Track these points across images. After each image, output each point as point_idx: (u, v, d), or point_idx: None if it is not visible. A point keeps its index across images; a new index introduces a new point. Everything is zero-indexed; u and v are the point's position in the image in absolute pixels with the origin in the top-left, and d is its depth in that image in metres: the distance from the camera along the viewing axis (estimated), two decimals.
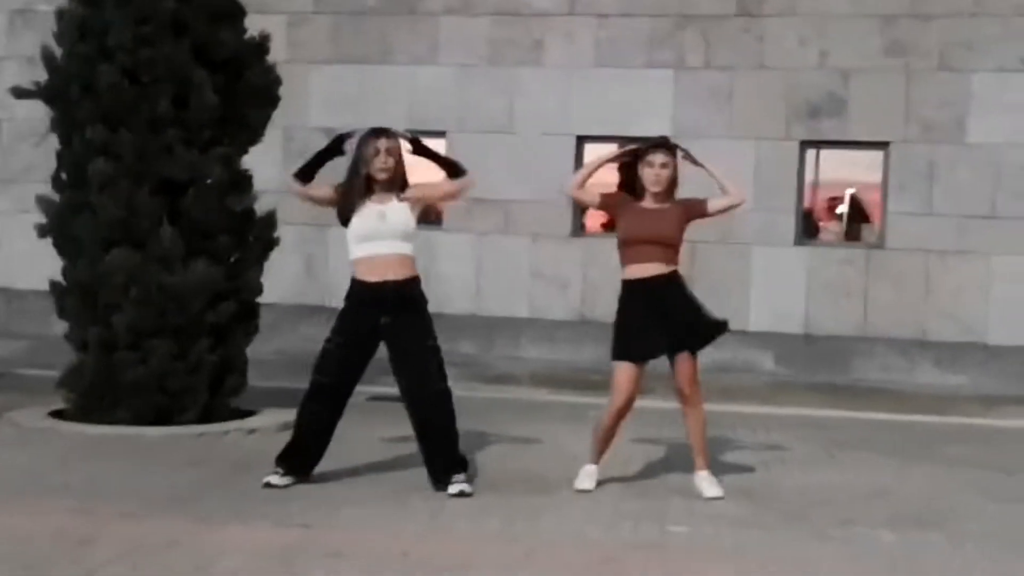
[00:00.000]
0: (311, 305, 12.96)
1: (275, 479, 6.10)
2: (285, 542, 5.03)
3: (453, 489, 5.98)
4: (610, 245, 12.25)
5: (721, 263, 12.04)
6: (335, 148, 6.27)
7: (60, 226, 7.63)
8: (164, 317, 7.47)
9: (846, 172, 12.50)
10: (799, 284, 12.16)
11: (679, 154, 6.25)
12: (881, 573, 4.89)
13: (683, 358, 6.12)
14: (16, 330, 13.40)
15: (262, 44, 7.96)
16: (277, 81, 7.95)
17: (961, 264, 11.91)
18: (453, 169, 6.39)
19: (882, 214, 12.22)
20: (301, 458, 6.19)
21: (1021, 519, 6.00)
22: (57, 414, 7.82)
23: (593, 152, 12.69)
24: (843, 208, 12.77)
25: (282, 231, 8.24)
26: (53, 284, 7.90)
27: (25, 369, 10.55)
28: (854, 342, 12.10)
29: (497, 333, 12.52)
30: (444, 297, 12.57)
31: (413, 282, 6.18)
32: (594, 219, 12.99)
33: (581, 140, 12.63)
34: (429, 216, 13.07)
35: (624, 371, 6.11)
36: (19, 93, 7.77)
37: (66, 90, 7.52)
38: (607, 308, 12.27)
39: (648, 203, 6.20)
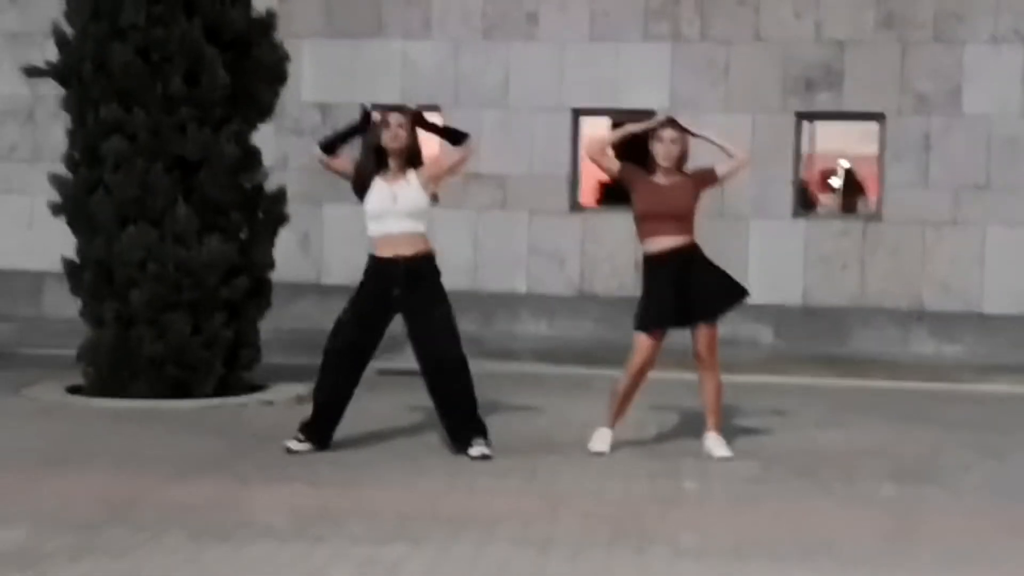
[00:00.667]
0: (305, 283, 13.38)
1: (295, 445, 6.57)
2: (320, 501, 5.53)
3: (474, 452, 6.47)
4: (607, 220, 12.92)
5: (719, 237, 12.45)
6: (363, 125, 6.70)
7: (75, 204, 8.06)
8: (180, 292, 7.93)
9: (842, 144, 13.02)
10: (797, 257, 12.67)
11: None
12: (883, 521, 5.40)
13: (704, 326, 6.64)
14: (4, 312, 13.77)
15: (269, 21, 8.40)
16: (285, 57, 8.40)
17: (956, 235, 12.43)
18: (455, 137, 6.85)
19: (879, 186, 12.74)
20: (321, 425, 6.66)
21: (1014, 473, 6.54)
22: (74, 390, 8.27)
23: (590, 125, 13.21)
24: (837, 180, 13.29)
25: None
26: (66, 262, 8.33)
27: (24, 349, 10.96)
28: (851, 313, 12.62)
29: (495, 309, 12.98)
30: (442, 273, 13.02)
31: (424, 258, 6.66)
32: (590, 194, 13.47)
33: (577, 114, 13.09)
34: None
35: (645, 336, 6.62)
36: (31, 72, 8.19)
37: (79, 69, 7.94)
38: (605, 283, 13.04)
39: (660, 178, 6.71)
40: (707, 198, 12.77)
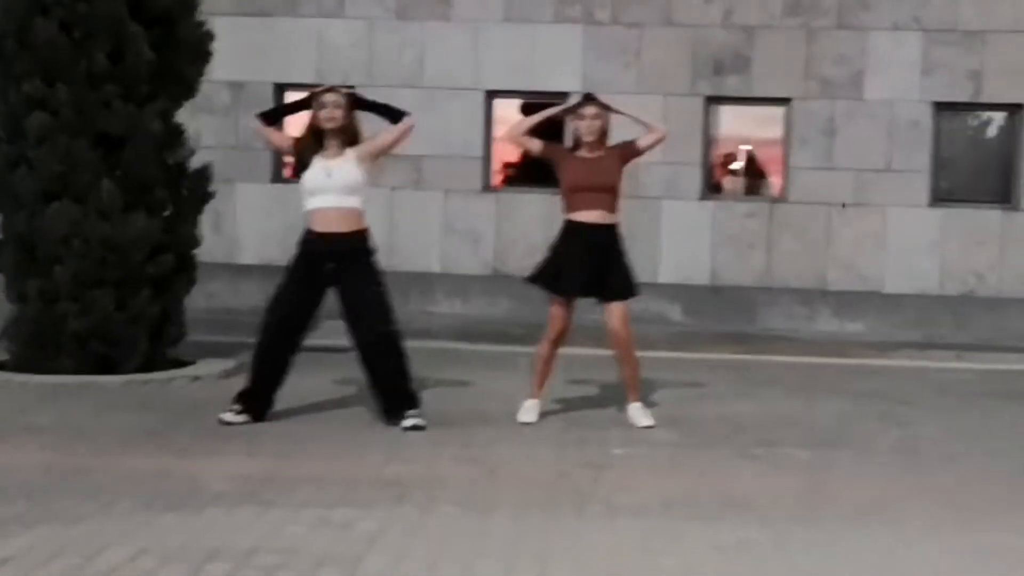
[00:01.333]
0: (218, 263, 13.43)
1: (230, 416, 6.75)
2: (264, 471, 5.72)
3: (407, 423, 6.71)
4: (521, 200, 13.21)
5: (631, 217, 12.82)
6: (306, 103, 6.87)
7: None
8: (105, 269, 8.03)
9: (749, 128, 13.46)
10: (705, 237, 13.10)
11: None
12: (799, 482, 5.78)
13: (617, 304, 6.96)
14: None
15: (191, 0, 8.50)
16: (208, 36, 8.53)
17: (859, 216, 12.97)
18: (393, 115, 7.07)
19: (784, 168, 13.22)
20: (258, 397, 6.85)
21: (917, 438, 6.99)
22: None
23: (502, 107, 13.48)
24: (738, 164, 13.72)
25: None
26: None
27: None
28: (758, 292, 13.10)
29: (410, 288, 13.19)
30: None
31: (359, 234, 6.88)
32: (503, 175, 13.75)
33: (490, 95, 13.36)
34: None
35: (558, 303, 6.94)
36: None
37: (1, 45, 7.97)
38: (519, 263, 13.31)
39: (585, 152, 7.01)
40: (626, 180, 13.23)
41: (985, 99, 12.83)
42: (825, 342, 11.83)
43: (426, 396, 7.45)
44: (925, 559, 4.50)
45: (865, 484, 5.80)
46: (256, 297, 13.95)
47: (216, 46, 13.37)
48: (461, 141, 13.31)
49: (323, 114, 6.78)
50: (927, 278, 12.90)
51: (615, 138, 7.22)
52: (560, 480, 5.63)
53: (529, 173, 13.83)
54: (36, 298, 8.06)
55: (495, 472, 5.77)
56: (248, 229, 13.56)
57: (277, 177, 13.57)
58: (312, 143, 6.81)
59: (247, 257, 13.54)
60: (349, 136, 6.85)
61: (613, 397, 7.67)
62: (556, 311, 7.01)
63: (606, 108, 7.09)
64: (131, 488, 5.29)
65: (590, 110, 7.03)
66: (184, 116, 13.27)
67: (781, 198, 13.21)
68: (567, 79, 13.10)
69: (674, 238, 13.05)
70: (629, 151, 7.12)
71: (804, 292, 13.06)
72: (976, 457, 6.51)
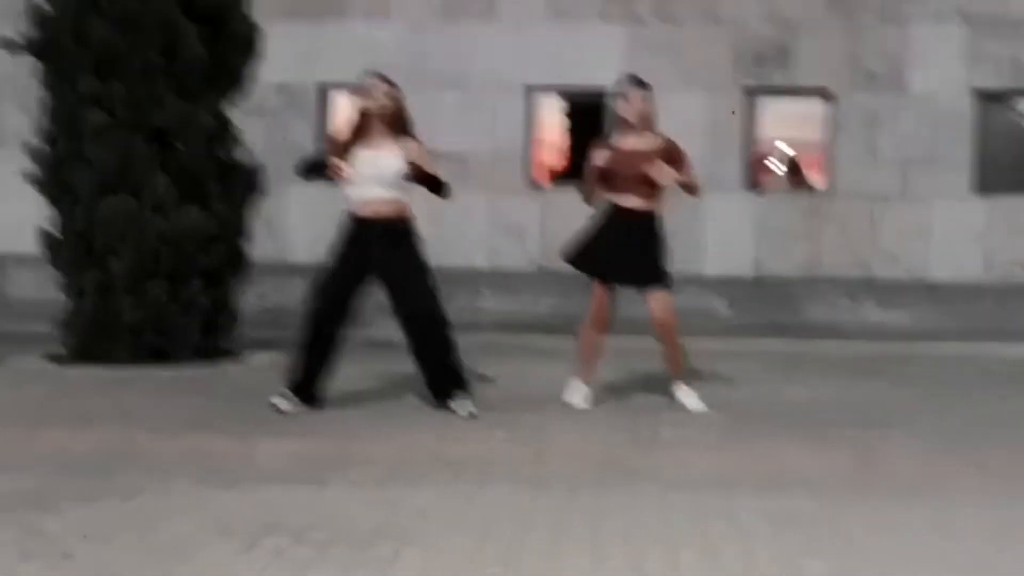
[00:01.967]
0: (268, 263, 13.47)
1: (283, 403, 6.73)
2: (318, 450, 5.72)
3: (460, 410, 6.66)
4: (565, 196, 13.11)
5: (674, 211, 12.81)
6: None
7: (53, 176, 8.16)
8: (159, 261, 8.07)
9: (792, 122, 13.36)
10: (748, 230, 13.00)
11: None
12: (849, 458, 5.71)
13: (658, 291, 6.88)
14: None
15: None
16: (257, 31, 8.56)
17: (904, 208, 12.82)
18: (440, 187, 6.95)
19: (828, 162, 13.09)
20: (309, 385, 6.83)
21: (961, 419, 6.89)
22: (53, 359, 8.38)
23: (546, 106, 13.46)
24: (780, 165, 13.62)
25: None
26: (44, 234, 8.43)
27: None
28: (802, 284, 12.97)
29: (456, 285, 13.15)
30: None
31: (402, 221, 6.83)
32: (548, 172, 13.72)
33: (533, 92, 13.33)
34: None
35: (599, 286, 6.91)
36: (6, 44, 8.26)
37: (56, 43, 8.04)
38: None
39: (629, 138, 6.89)
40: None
41: None
42: (869, 332, 11.70)
43: (475, 384, 7.43)
44: (974, 529, 4.42)
45: (913, 461, 5.72)
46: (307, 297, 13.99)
47: (264, 49, 13.53)
48: (505, 139, 13.28)
49: (371, 101, 6.74)
50: (971, 268, 12.72)
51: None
52: (610, 459, 5.59)
53: (572, 170, 13.84)
54: (92, 291, 8.12)
55: (545, 452, 5.74)
56: (298, 229, 13.59)
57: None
58: (356, 126, 6.75)
59: (298, 257, 13.55)
60: (398, 125, 6.80)
61: (660, 383, 7.59)
62: (597, 295, 6.94)
63: (649, 89, 6.99)
64: (187, 466, 5.31)
65: (636, 94, 6.94)
66: (235, 119, 13.45)
67: (825, 191, 13.08)
68: (610, 76, 12.98)
69: (717, 232, 12.96)
70: (670, 157, 6.87)
71: (848, 283, 12.92)
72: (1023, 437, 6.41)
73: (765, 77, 12.95)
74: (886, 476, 5.34)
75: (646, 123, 6.94)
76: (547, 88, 13.34)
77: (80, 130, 8.02)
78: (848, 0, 12.78)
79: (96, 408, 6.76)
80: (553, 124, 13.81)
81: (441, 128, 13.30)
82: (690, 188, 7.01)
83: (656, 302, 6.86)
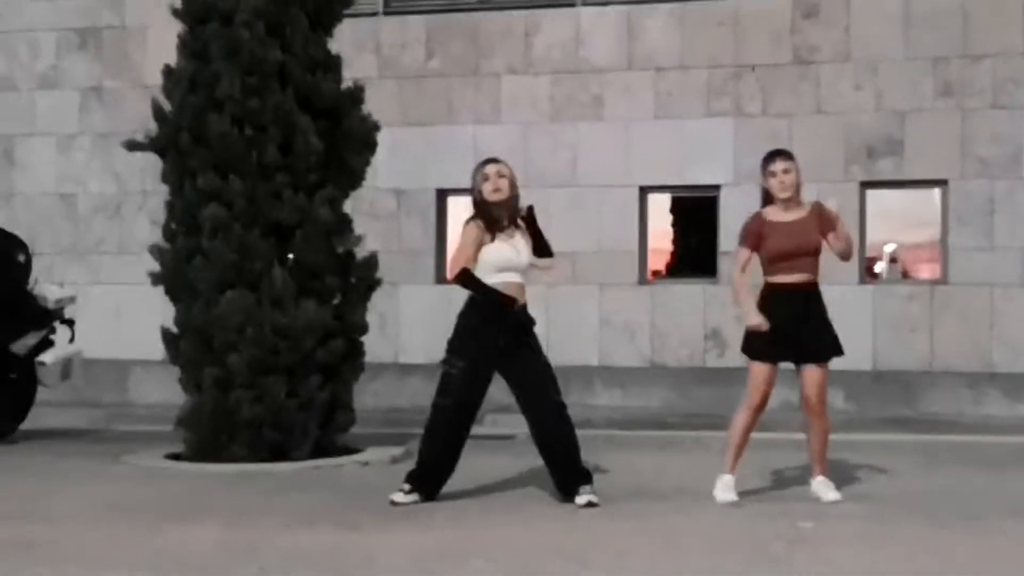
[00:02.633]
0: (383, 363, 13.14)
1: (400, 496, 6.27)
2: (438, 544, 5.22)
3: (581, 500, 6.14)
4: (675, 292, 12.65)
5: None
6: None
7: (173, 273, 7.90)
8: (277, 356, 7.71)
9: (906, 211, 12.73)
10: (865, 321, 12.31)
11: None
12: (1015, 552, 5.02)
13: (815, 367, 6.28)
14: (92, 399, 13.61)
15: (358, 93, 8.28)
16: (375, 127, 8.27)
17: None
18: (546, 249, 6.52)
19: (943, 250, 12.40)
20: (429, 478, 6.35)
21: None
22: (171, 457, 8.03)
23: (655, 203, 13.02)
24: (883, 265, 12.95)
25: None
26: (164, 331, 8.15)
27: (114, 428, 10.77)
28: (921, 376, 12.22)
29: (569, 381, 12.63)
30: None
31: (526, 307, 6.41)
32: (658, 267, 13.23)
33: (644, 191, 12.91)
34: None
35: (760, 369, 6.27)
36: (131, 146, 8.09)
37: (176, 140, 7.83)
38: (675, 354, 12.69)
39: (781, 213, 6.35)
40: None
41: None
42: (995, 426, 10.88)
43: (594, 476, 6.89)
44: None
45: None
46: (421, 396, 13.54)
47: (379, 155, 13.37)
48: (614, 236, 12.84)
49: (488, 185, 6.35)
50: None
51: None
52: (749, 552, 4.98)
53: (683, 265, 13.34)
54: (212, 386, 7.76)
55: (678, 544, 5.14)
56: (412, 330, 13.25)
57: (440, 279, 13.27)
58: (481, 215, 6.34)
59: (412, 357, 13.19)
60: (514, 211, 6.40)
61: (793, 472, 6.97)
62: (758, 375, 6.29)
63: (794, 160, 6.48)
64: (305, 561, 4.86)
65: (780, 164, 6.41)
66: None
67: (941, 280, 12.36)
68: (719, 172, 12.61)
69: (834, 323, 12.23)
70: (825, 224, 6.36)
71: (970, 375, 12.12)
72: None
73: (877, 168, 12.36)
74: None
75: (796, 194, 6.40)
76: (656, 186, 12.91)
77: (200, 226, 7.74)
78: (958, 87, 12.19)
79: (215, 505, 6.35)
80: (662, 220, 13.33)
81: (552, 227, 12.94)
82: (848, 250, 6.47)
83: (811, 377, 6.27)
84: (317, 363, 7.84)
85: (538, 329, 6.45)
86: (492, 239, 6.30)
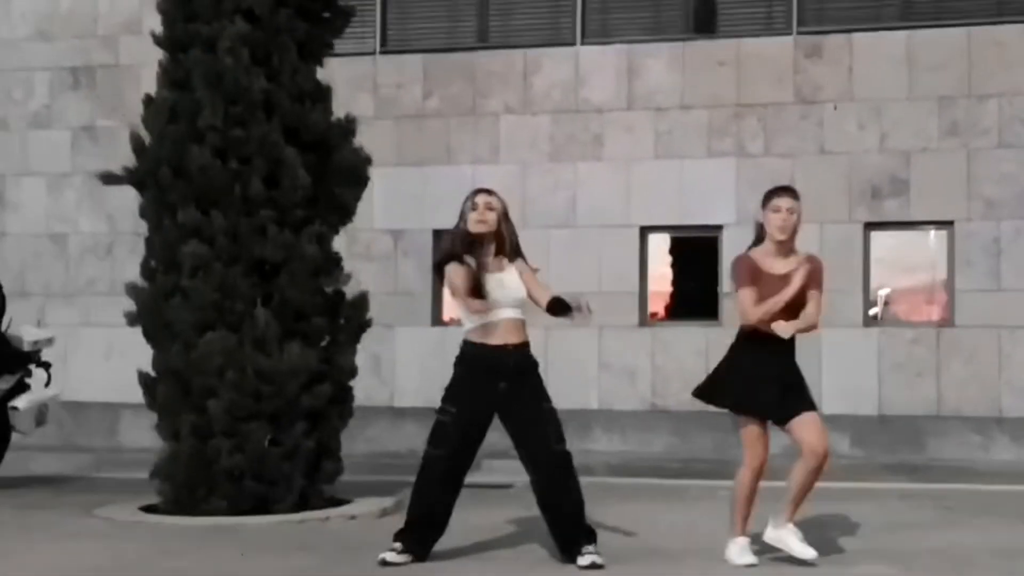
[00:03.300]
0: (377, 407, 12.41)
1: (392, 556, 5.52)
2: None
3: (584, 560, 5.40)
4: (676, 333, 11.91)
5: None
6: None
7: (151, 312, 7.16)
8: (259, 401, 6.97)
9: (910, 252, 12.01)
10: (870, 365, 11.58)
11: None
12: None
13: (813, 414, 5.54)
14: (80, 443, 12.87)
15: (349, 126, 7.60)
16: (367, 161, 7.57)
17: None
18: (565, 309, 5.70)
19: (949, 292, 11.69)
20: (421, 535, 5.61)
21: None
22: (148, 509, 7.27)
23: (655, 244, 12.32)
24: (877, 309, 12.21)
25: None
26: (141, 375, 7.41)
27: (100, 474, 10.01)
28: (928, 421, 11.47)
29: (567, 425, 11.86)
30: None
31: (527, 347, 5.70)
32: (658, 309, 12.50)
33: (644, 231, 12.22)
34: None
35: (753, 425, 5.54)
36: (107, 179, 7.41)
37: (156, 173, 7.13)
38: (677, 397, 11.92)
39: (774, 259, 5.61)
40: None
41: None
42: (1005, 472, 10.11)
43: (597, 532, 6.16)
44: None
45: None
46: (416, 440, 12.80)
47: (375, 196, 12.73)
48: (615, 277, 12.13)
49: (473, 216, 5.60)
50: None
51: None
52: None
53: (684, 307, 12.61)
54: (189, 434, 7.01)
55: None
56: (408, 373, 12.50)
57: (437, 321, 12.54)
58: (461, 247, 5.60)
59: (407, 400, 12.45)
60: (504, 244, 5.66)
61: (807, 525, 6.19)
62: (755, 434, 5.56)
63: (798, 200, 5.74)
64: None
65: (785, 202, 5.66)
66: (345, 263, 12.52)
67: (947, 322, 11.63)
68: (721, 213, 11.93)
69: (837, 367, 11.53)
70: (812, 283, 5.60)
71: (978, 420, 11.37)
72: None
73: (881, 209, 11.67)
74: None
75: (792, 239, 5.68)
76: (656, 226, 12.22)
77: (179, 264, 7.01)
78: (963, 126, 11.53)
79: (189, 567, 5.58)
80: (662, 261, 12.61)
81: (551, 267, 12.24)
82: (807, 330, 5.64)
83: (812, 426, 5.46)
84: (302, 409, 7.08)
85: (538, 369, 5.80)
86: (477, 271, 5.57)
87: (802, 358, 11.29)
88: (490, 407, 5.58)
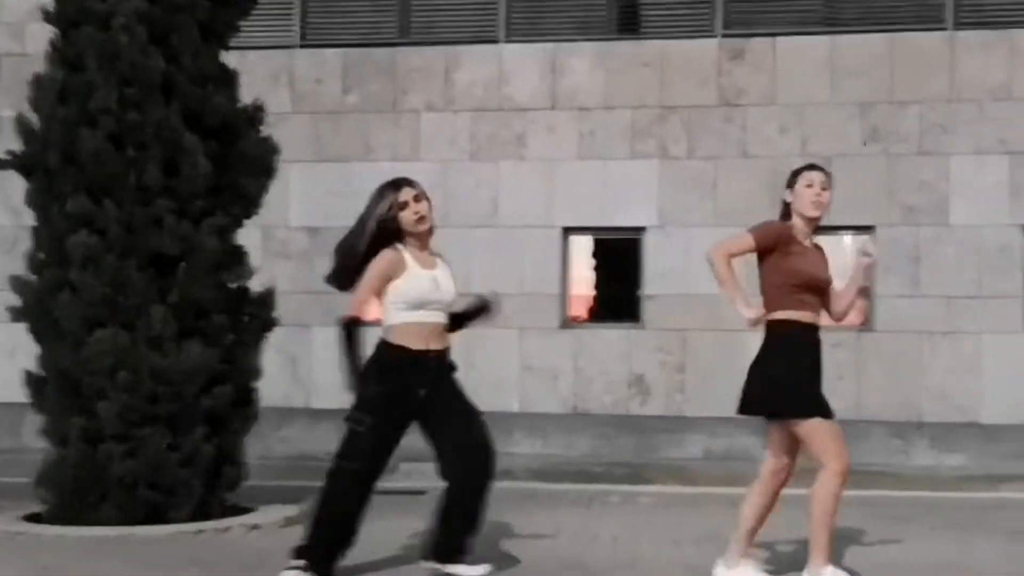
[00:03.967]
0: (293, 408, 11.76)
1: (292, 574, 4.89)
2: None
3: (471, 572, 4.85)
4: (598, 336, 11.41)
5: (712, 350, 11.07)
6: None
7: (38, 308, 6.45)
8: (155, 404, 6.30)
9: (831, 257, 11.61)
10: None
11: None
12: None
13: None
14: None
15: (256, 113, 6.95)
16: (274, 150, 6.92)
17: (951, 344, 11.01)
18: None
19: (869, 297, 11.33)
20: (326, 551, 4.98)
21: None
22: (33, 518, 6.54)
23: (577, 245, 11.81)
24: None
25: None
26: (28, 375, 6.71)
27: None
28: (849, 425, 11.03)
29: (488, 429, 11.36)
30: None
31: (448, 352, 5.11)
32: (581, 311, 11.98)
33: (566, 232, 11.69)
34: None
35: (833, 427, 4.89)
36: None
37: (44, 159, 6.42)
38: (599, 400, 11.41)
39: (807, 238, 4.99)
40: (701, 311, 11.36)
41: None
42: (925, 477, 9.76)
43: (514, 544, 5.65)
44: None
45: None
46: (333, 442, 12.17)
47: (292, 192, 12.07)
48: (536, 278, 11.59)
49: (409, 215, 4.98)
50: None
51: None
52: None
53: (606, 309, 12.10)
54: (78, 439, 6.31)
55: None
56: (325, 373, 11.81)
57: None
58: (371, 245, 5.00)
59: (324, 402, 11.76)
60: (431, 237, 5.10)
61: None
62: (836, 431, 4.93)
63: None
64: None
65: (819, 176, 4.97)
66: (261, 261, 11.81)
67: (868, 327, 11.27)
68: (643, 215, 11.45)
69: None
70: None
71: (897, 424, 11.02)
72: None
73: None
74: None
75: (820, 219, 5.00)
76: (578, 227, 11.70)
77: (68, 256, 6.31)
78: (884, 133, 11.19)
79: None
80: (584, 263, 12.09)
81: (472, 267, 11.67)
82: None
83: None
84: (202, 412, 6.42)
85: (457, 374, 5.22)
86: (406, 268, 4.98)
87: (723, 361, 10.84)
88: (408, 415, 4.98)
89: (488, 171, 11.72)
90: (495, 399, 11.41)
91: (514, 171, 11.68)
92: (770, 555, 5.39)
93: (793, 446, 4.84)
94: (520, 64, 11.75)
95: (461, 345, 11.73)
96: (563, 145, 11.64)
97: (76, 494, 6.32)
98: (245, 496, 6.98)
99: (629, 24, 11.86)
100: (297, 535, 5.18)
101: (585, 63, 11.67)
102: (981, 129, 11.04)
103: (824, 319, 4.98)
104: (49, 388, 6.48)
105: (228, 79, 6.84)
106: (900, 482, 9.27)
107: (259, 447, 11.11)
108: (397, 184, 5.11)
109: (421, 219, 4.97)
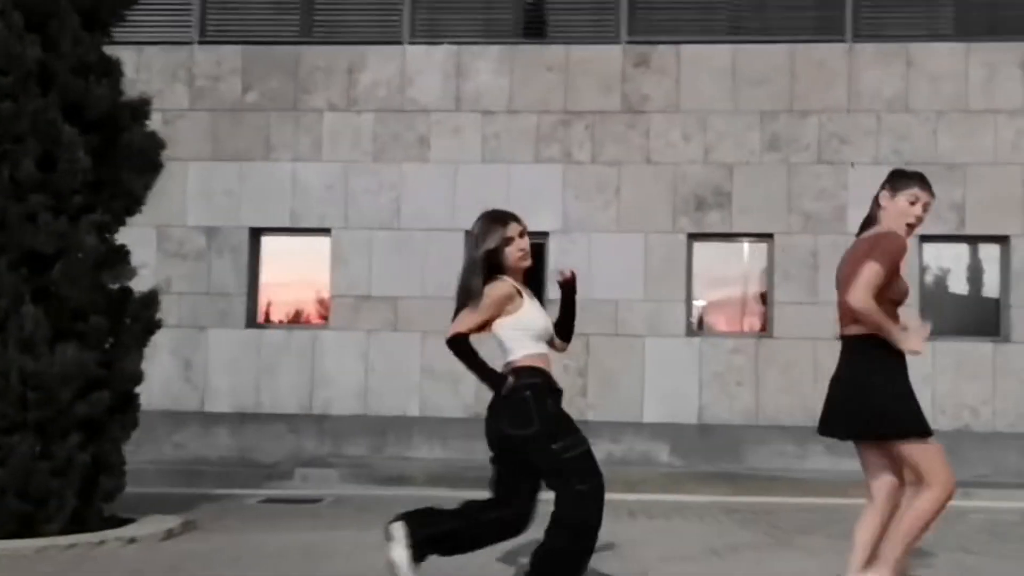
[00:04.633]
0: (187, 412, 11.27)
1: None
2: None
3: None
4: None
5: (614, 355, 10.88)
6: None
7: None
8: (26, 410, 5.84)
9: (731, 263, 11.54)
10: (692, 374, 11.05)
11: None
12: None
13: None
14: None
15: (141, 106, 6.53)
16: (159, 145, 6.51)
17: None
18: (571, 331, 4.92)
19: (768, 304, 11.27)
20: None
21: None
22: None
23: None
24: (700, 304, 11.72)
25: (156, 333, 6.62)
26: None
27: None
28: (747, 430, 11.00)
29: (387, 433, 11.02)
30: (331, 398, 11.07)
31: None
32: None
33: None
34: (312, 315, 11.61)
35: (941, 449, 4.43)
36: None
37: None
38: None
39: None
40: (601, 316, 11.16)
41: (969, 231, 11.00)
42: (826, 482, 9.68)
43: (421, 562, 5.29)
44: None
45: None
46: (228, 447, 11.74)
47: (189, 191, 11.59)
48: (438, 282, 11.27)
49: (514, 251, 4.65)
50: None
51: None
52: None
53: None
54: None
55: None
56: (220, 377, 11.37)
57: (252, 323, 11.44)
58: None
59: (219, 405, 11.32)
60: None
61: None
62: (941, 455, 4.43)
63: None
64: None
65: (927, 197, 4.46)
66: (155, 261, 11.33)
67: (766, 333, 11.20)
68: (547, 219, 11.22)
69: (659, 376, 10.98)
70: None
71: (794, 429, 10.94)
72: None
73: (705, 221, 11.16)
74: None
75: None
76: None
77: None
78: (784, 141, 11.14)
79: None
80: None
81: (373, 269, 11.35)
82: None
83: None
84: (77, 418, 5.99)
85: (355, 377, 4.90)
86: (522, 301, 4.62)
87: (624, 366, 10.63)
88: None
89: (391, 173, 11.40)
90: (395, 402, 11.11)
91: (417, 173, 11.37)
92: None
93: (892, 464, 4.50)
94: (424, 65, 11.45)
95: (362, 348, 11.46)
96: (467, 148, 11.37)
97: None
98: (128, 506, 6.57)
99: (534, 28, 11.64)
100: (177, 547, 4.80)
101: (489, 66, 11.41)
102: (878, 138, 11.05)
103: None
104: None
105: (110, 69, 6.41)
106: (797, 488, 9.17)
107: (151, 451, 10.67)
108: (504, 219, 4.71)
109: (525, 256, 4.62)
